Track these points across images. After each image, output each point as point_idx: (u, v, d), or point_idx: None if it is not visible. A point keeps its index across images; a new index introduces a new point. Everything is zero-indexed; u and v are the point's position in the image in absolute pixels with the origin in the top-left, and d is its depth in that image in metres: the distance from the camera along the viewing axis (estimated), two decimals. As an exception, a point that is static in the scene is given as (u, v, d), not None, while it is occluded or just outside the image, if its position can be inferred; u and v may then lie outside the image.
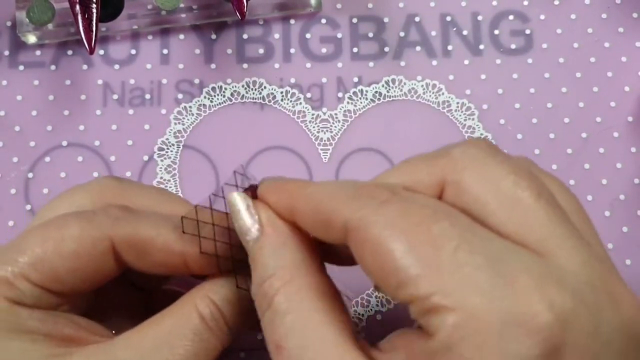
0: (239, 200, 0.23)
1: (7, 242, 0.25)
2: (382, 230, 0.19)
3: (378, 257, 0.19)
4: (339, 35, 0.37)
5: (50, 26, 0.35)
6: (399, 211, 0.19)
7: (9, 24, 0.36)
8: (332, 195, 0.21)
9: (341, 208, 0.20)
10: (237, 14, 0.31)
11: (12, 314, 0.23)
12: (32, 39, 0.35)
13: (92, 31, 0.31)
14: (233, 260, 0.24)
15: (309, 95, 0.36)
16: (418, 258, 0.18)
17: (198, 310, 0.24)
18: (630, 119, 0.35)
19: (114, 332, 0.25)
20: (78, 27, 0.31)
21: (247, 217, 0.23)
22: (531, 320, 0.17)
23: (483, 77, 0.36)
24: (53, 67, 0.36)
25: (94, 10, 0.31)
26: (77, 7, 0.31)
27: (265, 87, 0.36)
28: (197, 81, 0.36)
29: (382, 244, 0.19)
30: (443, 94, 0.36)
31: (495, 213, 0.20)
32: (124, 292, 0.28)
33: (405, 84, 0.36)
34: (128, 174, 0.34)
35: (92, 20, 0.31)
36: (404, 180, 0.22)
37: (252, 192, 0.24)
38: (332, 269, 0.28)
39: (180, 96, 0.36)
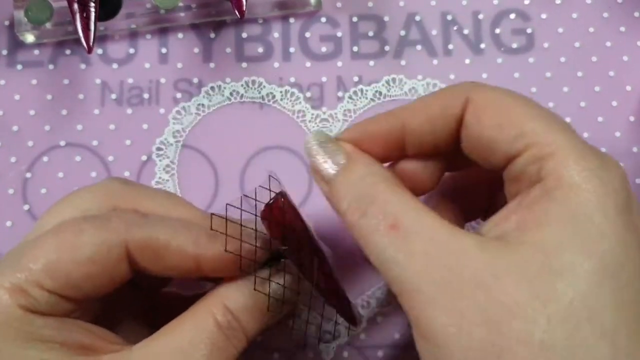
0: (324, 135, 0.26)
1: (18, 247, 0.25)
2: (505, 95, 0.23)
3: (500, 114, 0.23)
4: (339, 34, 0.36)
5: (48, 25, 0.35)
6: (509, 91, 0.24)
7: (7, 23, 0.36)
8: (442, 91, 0.25)
9: (459, 90, 0.24)
10: (236, 12, 0.31)
11: (27, 322, 0.23)
12: (30, 38, 0.35)
13: (90, 30, 0.31)
14: (256, 261, 0.25)
15: (308, 94, 0.36)
16: (537, 115, 0.22)
17: (215, 317, 0.24)
18: (632, 118, 0.35)
19: (121, 335, 0.25)
20: (76, 26, 0.31)
21: (334, 146, 0.25)
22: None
23: (484, 76, 0.36)
24: (51, 67, 0.36)
25: (92, 9, 0.31)
26: (75, 6, 0.31)
27: (264, 87, 0.36)
28: (196, 80, 0.36)
29: (506, 105, 0.23)
30: (444, 93, 0.35)
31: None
32: (128, 293, 0.27)
33: (405, 83, 0.36)
34: (126, 173, 0.34)
35: (90, 19, 0.31)
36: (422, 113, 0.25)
37: (282, 198, 0.25)
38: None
39: (179, 95, 0.35)
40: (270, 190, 0.25)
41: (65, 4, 0.31)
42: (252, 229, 0.25)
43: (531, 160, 0.22)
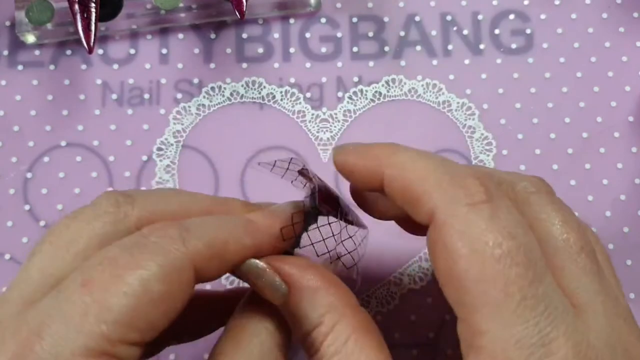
0: (257, 265, 0.23)
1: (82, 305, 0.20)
2: (457, 239, 0.20)
3: (446, 262, 0.20)
4: (339, 35, 0.36)
5: (49, 26, 0.35)
6: (485, 219, 0.20)
7: (8, 23, 0.36)
8: (424, 175, 0.21)
9: (432, 194, 0.21)
10: (237, 13, 0.31)
11: None
12: (31, 38, 0.35)
13: (91, 31, 0.31)
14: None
15: (308, 94, 0.36)
16: (479, 292, 0.19)
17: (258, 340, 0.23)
18: (631, 118, 0.35)
19: None
20: (77, 26, 0.31)
21: (271, 275, 0.22)
22: None
23: (483, 76, 0.36)
24: (52, 67, 0.36)
25: (93, 10, 0.31)
26: (76, 6, 0.31)
27: (264, 87, 0.36)
28: (196, 81, 0.36)
29: (452, 253, 0.20)
30: (443, 93, 0.36)
31: (544, 249, 0.21)
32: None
33: (405, 83, 0.36)
34: (127, 174, 0.34)
35: (91, 19, 0.31)
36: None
37: (319, 194, 0.25)
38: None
39: (179, 96, 0.36)
40: (301, 166, 0.25)
41: (66, 4, 0.31)
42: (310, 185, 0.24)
43: (463, 332, 0.20)
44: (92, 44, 0.31)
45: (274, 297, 0.22)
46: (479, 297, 0.19)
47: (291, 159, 0.25)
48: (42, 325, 0.19)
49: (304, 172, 0.25)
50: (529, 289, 0.19)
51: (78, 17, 0.31)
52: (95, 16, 0.31)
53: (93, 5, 0.31)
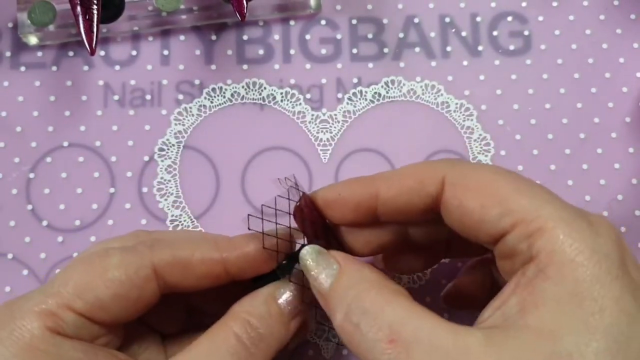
0: (316, 248, 0.25)
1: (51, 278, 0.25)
2: (483, 171, 0.23)
3: (482, 194, 0.22)
4: (339, 37, 0.37)
5: (51, 27, 0.35)
6: (488, 166, 0.24)
7: (10, 25, 0.36)
8: (419, 165, 0.25)
9: (436, 167, 0.24)
10: (237, 15, 0.31)
11: (54, 344, 0.23)
12: (33, 40, 0.36)
13: (93, 32, 0.31)
14: (292, 256, 0.26)
15: (308, 96, 0.36)
16: (521, 191, 0.22)
17: (234, 331, 0.24)
18: (628, 119, 0.36)
19: None
20: (79, 28, 0.31)
21: (327, 257, 0.24)
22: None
23: (482, 78, 0.36)
24: (54, 68, 0.36)
25: (95, 12, 0.31)
26: (78, 8, 0.31)
27: (265, 88, 0.36)
28: (197, 82, 0.36)
29: (487, 181, 0.23)
30: (442, 94, 0.36)
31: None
32: (144, 337, 0.28)
33: (404, 84, 0.36)
34: (129, 174, 0.35)
35: (93, 21, 0.31)
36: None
37: (305, 200, 0.26)
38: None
39: (180, 97, 0.36)
40: (297, 189, 0.26)
41: (68, 6, 0.31)
42: (285, 226, 0.26)
43: (520, 238, 0.21)
44: (94, 45, 0.31)
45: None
46: (525, 197, 0.22)
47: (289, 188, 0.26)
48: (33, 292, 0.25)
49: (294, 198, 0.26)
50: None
51: (80, 18, 0.31)
52: (97, 18, 0.31)
53: (95, 7, 0.31)
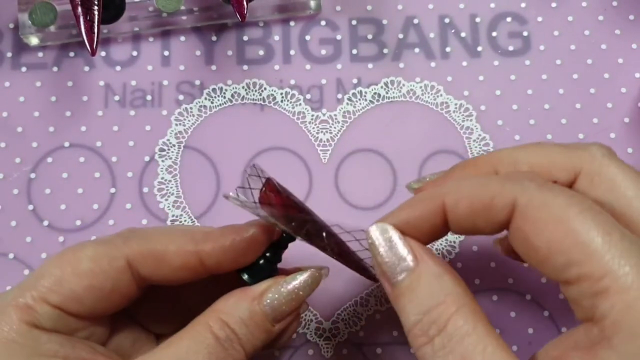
0: (390, 230, 0.23)
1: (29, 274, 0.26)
2: (558, 210, 0.20)
3: (550, 236, 0.20)
4: (338, 37, 0.37)
5: (52, 28, 0.35)
6: (564, 197, 0.21)
7: (11, 25, 0.37)
8: (486, 182, 0.22)
9: (505, 189, 0.22)
10: (238, 16, 0.32)
11: (31, 337, 0.23)
12: (34, 40, 0.36)
13: (93, 33, 0.31)
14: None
15: (308, 96, 0.36)
16: (593, 239, 0.19)
17: (212, 330, 0.25)
18: (626, 120, 0.36)
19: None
20: (80, 29, 0.31)
21: (402, 247, 0.23)
22: None
23: (481, 78, 0.36)
24: (55, 69, 0.36)
25: (96, 13, 0.31)
26: (79, 9, 0.31)
27: (265, 89, 0.36)
28: (197, 82, 0.36)
29: (557, 224, 0.20)
30: (441, 95, 0.36)
31: (632, 204, 0.22)
32: (137, 337, 0.28)
33: (404, 85, 0.36)
34: (129, 174, 0.35)
35: (93, 22, 0.31)
36: (539, 159, 0.24)
37: (269, 186, 0.26)
38: (334, 268, 0.28)
39: (181, 97, 0.36)
40: (259, 176, 0.26)
41: (69, 7, 0.31)
42: (261, 215, 0.25)
43: (584, 294, 0.20)
44: (94, 46, 0.31)
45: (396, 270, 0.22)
46: (595, 247, 0.19)
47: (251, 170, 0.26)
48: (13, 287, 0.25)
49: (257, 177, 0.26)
50: (622, 229, 0.20)
51: (81, 19, 0.31)
52: (98, 19, 0.31)
53: (96, 7, 0.31)
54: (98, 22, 0.31)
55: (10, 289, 0.25)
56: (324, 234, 0.26)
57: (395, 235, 0.23)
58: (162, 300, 0.29)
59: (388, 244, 0.23)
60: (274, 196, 0.26)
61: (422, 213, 0.23)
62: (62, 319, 0.24)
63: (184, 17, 0.36)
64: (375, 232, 0.23)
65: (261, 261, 0.27)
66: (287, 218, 0.25)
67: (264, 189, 0.26)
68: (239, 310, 0.25)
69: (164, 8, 0.34)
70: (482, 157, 0.26)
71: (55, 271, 0.24)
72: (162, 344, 0.25)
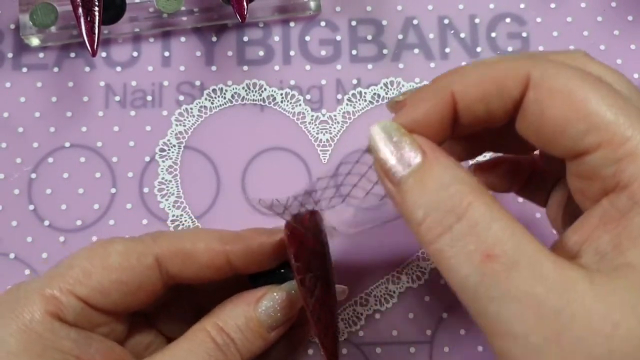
0: (393, 126, 0.21)
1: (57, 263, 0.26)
2: (572, 76, 0.19)
3: (567, 103, 0.19)
4: (338, 38, 0.37)
5: (53, 29, 0.35)
6: (577, 68, 0.20)
7: (12, 26, 0.37)
8: (495, 62, 0.21)
9: (518, 66, 0.20)
10: (238, 16, 0.32)
11: (50, 329, 0.24)
12: (35, 41, 0.36)
13: (94, 34, 0.31)
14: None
15: (308, 97, 0.36)
16: (611, 105, 0.19)
17: (210, 336, 0.25)
18: (625, 120, 0.36)
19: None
20: (81, 29, 0.31)
21: (408, 142, 0.21)
22: None
23: (480, 79, 0.36)
24: (56, 69, 0.36)
25: (97, 13, 0.31)
26: (80, 10, 0.31)
27: (265, 89, 0.36)
28: (198, 83, 0.36)
29: (575, 92, 0.19)
30: (441, 95, 0.36)
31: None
32: (152, 341, 0.28)
33: (403, 86, 0.36)
34: (130, 174, 0.35)
35: (94, 23, 0.31)
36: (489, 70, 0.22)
37: (310, 216, 0.25)
38: (334, 269, 0.28)
39: (181, 98, 0.36)
40: (303, 206, 0.25)
41: (70, 8, 0.31)
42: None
43: (606, 161, 0.19)
44: (95, 46, 0.31)
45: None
46: (614, 113, 0.19)
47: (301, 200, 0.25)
48: (42, 274, 0.25)
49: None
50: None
51: (82, 20, 0.31)
52: (99, 19, 0.31)
53: (96, 8, 0.31)
54: (99, 22, 0.31)
55: (40, 276, 0.25)
56: (317, 293, 0.25)
57: (399, 131, 0.21)
58: (183, 305, 0.29)
59: (392, 140, 0.21)
60: (300, 229, 0.25)
61: (430, 108, 0.21)
62: (85, 313, 0.24)
63: (184, 18, 0.36)
64: (377, 127, 0.22)
65: (281, 269, 0.27)
66: (296, 254, 0.25)
67: (297, 215, 0.25)
68: (235, 316, 0.26)
69: (165, 9, 0.34)
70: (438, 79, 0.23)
71: (84, 263, 0.25)
72: (164, 348, 0.25)
